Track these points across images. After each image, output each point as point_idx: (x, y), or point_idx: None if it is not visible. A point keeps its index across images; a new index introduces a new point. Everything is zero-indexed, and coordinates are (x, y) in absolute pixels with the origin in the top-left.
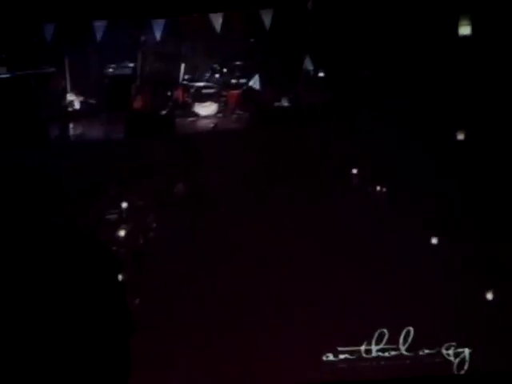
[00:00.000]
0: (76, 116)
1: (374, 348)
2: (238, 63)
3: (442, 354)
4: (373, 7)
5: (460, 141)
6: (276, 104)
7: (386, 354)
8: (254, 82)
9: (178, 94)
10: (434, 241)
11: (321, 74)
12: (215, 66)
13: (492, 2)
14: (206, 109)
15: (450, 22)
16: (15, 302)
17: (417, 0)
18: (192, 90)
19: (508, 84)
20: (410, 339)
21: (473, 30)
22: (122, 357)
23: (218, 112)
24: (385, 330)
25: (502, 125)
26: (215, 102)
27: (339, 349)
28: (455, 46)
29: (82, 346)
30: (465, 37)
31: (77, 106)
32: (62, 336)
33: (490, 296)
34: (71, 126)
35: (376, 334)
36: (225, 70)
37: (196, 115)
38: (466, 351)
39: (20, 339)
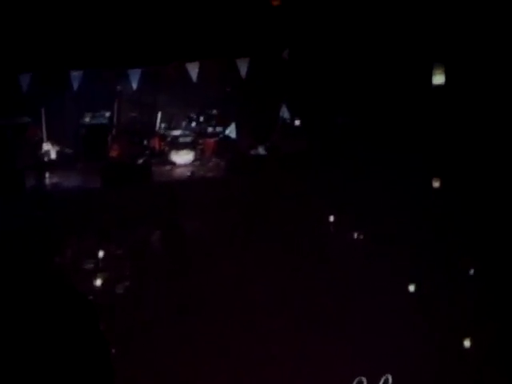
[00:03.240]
0: (52, 166)
1: None
2: (214, 112)
3: None
4: (348, 57)
5: (436, 188)
6: (252, 152)
7: None
8: (231, 131)
9: (155, 142)
10: (411, 288)
11: (297, 123)
12: (192, 114)
13: (464, 51)
14: (182, 157)
15: (425, 71)
16: None
17: (390, 50)
18: (168, 139)
19: (482, 133)
20: None
21: (446, 78)
22: None
23: (195, 160)
24: (363, 379)
25: (478, 172)
26: (192, 150)
27: None
28: (429, 95)
29: None
30: (438, 86)
31: (53, 155)
32: None
33: (467, 344)
34: (47, 175)
35: (355, 382)
36: (201, 118)
37: (173, 163)
38: None
39: None
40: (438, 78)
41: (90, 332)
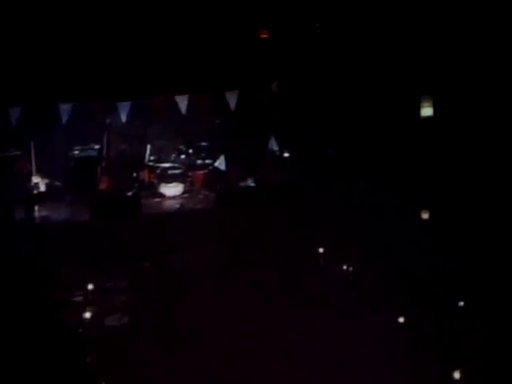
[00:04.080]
0: (41, 198)
1: None
2: (203, 144)
3: None
4: (337, 89)
5: (425, 220)
6: (242, 184)
7: None
8: (220, 163)
9: (144, 174)
10: (401, 320)
11: (286, 155)
12: (181, 146)
13: (452, 83)
14: (171, 189)
15: (413, 104)
16: None
17: (379, 83)
18: (158, 171)
19: (470, 166)
20: None
21: (434, 111)
22: None
23: (184, 192)
24: None
25: (467, 204)
26: (181, 182)
27: None
28: (418, 126)
29: None
30: (427, 118)
31: (42, 188)
32: None
33: (457, 375)
34: (36, 208)
35: None
36: (190, 150)
37: (162, 196)
38: None
39: None
40: (427, 111)
41: (77, 365)
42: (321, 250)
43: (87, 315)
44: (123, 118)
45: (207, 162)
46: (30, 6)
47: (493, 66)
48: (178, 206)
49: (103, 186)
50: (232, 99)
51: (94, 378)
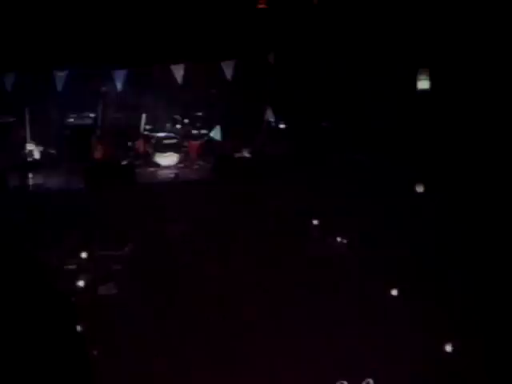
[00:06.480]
0: (35, 166)
1: None
2: (199, 114)
3: None
4: (334, 61)
5: (419, 193)
6: (237, 155)
7: None
8: (215, 133)
9: (139, 144)
10: (394, 292)
11: (282, 126)
12: (176, 116)
13: (450, 55)
14: (166, 159)
15: (409, 76)
16: None
17: (376, 55)
18: (153, 141)
19: (466, 137)
20: None
21: (432, 84)
22: None
23: (179, 162)
24: (345, 382)
25: (463, 177)
26: (176, 152)
27: None
28: (414, 99)
29: None
30: (423, 91)
31: (37, 155)
32: None
33: (449, 348)
34: (31, 175)
35: None
36: (186, 120)
37: (157, 165)
38: None
39: None
40: (423, 83)
41: (68, 332)
42: (315, 222)
43: (80, 283)
44: (118, 86)
45: (203, 132)
46: None
47: (492, 40)
48: (172, 175)
49: (98, 154)
50: (228, 69)
51: (83, 346)
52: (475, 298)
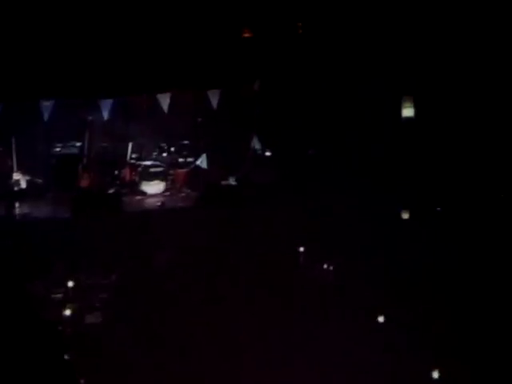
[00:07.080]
0: (22, 195)
1: None
2: (185, 142)
3: None
4: (319, 88)
5: (405, 220)
6: (223, 183)
7: None
8: (202, 161)
9: (126, 172)
10: (381, 319)
11: (268, 154)
12: (163, 145)
13: (433, 84)
14: (153, 187)
15: (394, 104)
16: None
17: (361, 83)
18: (139, 169)
19: (450, 167)
20: None
21: (416, 111)
22: None
23: (165, 190)
24: None
25: (446, 204)
26: (162, 180)
27: None
28: (399, 127)
29: None
30: (408, 118)
31: (23, 185)
32: None
33: (435, 375)
34: (17, 204)
35: None
36: (172, 148)
37: (143, 194)
38: None
39: None
40: (408, 111)
41: (56, 362)
42: (301, 249)
43: (67, 312)
44: (105, 115)
45: (189, 160)
46: (11, 4)
47: (475, 66)
48: (159, 204)
49: (84, 183)
50: (214, 98)
51: (74, 374)
52: (461, 325)
